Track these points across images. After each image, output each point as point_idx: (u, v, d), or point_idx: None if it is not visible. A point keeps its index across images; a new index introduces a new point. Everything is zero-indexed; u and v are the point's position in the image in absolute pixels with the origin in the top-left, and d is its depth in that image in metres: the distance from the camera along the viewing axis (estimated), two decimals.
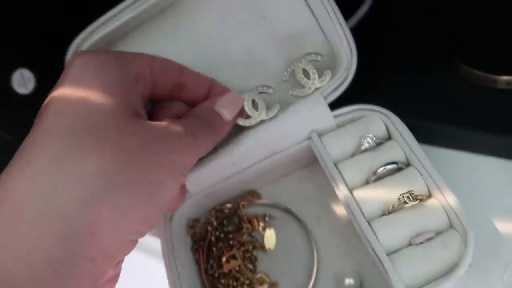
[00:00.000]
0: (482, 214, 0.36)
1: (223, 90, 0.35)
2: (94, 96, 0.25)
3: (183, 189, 0.36)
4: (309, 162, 0.40)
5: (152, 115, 0.32)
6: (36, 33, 0.39)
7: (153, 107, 0.33)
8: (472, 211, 0.32)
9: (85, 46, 0.36)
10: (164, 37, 0.39)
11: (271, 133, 0.36)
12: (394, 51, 0.41)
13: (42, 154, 0.24)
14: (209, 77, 0.35)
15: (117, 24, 0.36)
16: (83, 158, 0.23)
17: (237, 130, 0.37)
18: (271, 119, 0.36)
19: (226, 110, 0.33)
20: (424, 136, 0.36)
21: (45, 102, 0.26)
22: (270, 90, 0.37)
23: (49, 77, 0.40)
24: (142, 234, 0.27)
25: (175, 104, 0.33)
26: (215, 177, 0.38)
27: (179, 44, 0.39)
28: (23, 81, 0.38)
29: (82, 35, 0.36)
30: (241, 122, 0.36)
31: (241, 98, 0.35)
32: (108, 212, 0.24)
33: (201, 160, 0.36)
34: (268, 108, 0.36)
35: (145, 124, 0.27)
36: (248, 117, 0.36)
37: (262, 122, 0.36)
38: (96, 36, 0.36)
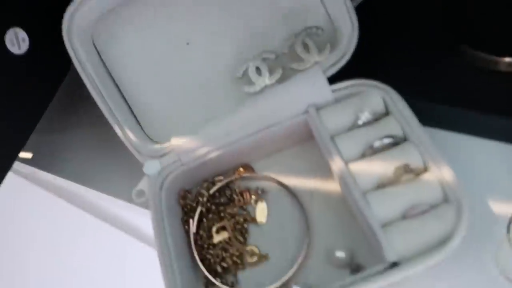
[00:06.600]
0: (478, 194, 0.35)
1: None
2: None
3: None
4: (305, 139, 0.39)
5: None
6: None
7: None
8: (469, 191, 0.31)
9: (81, 10, 0.36)
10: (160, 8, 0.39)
11: (268, 103, 0.36)
12: (398, 30, 0.41)
13: None
14: None
15: None
16: None
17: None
18: (273, 84, 0.37)
19: None
20: (423, 116, 0.36)
21: None
22: (272, 55, 0.37)
23: (43, 40, 0.39)
24: None
25: None
26: (208, 146, 0.37)
27: (174, 19, 0.39)
28: (17, 41, 0.37)
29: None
30: (246, 89, 0.37)
31: None
32: None
33: (194, 129, 0.36)
34: (271, 73, 0.37)
35: None
36: (251, 83, 0.37)
37: (265, 87, 0.37)
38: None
